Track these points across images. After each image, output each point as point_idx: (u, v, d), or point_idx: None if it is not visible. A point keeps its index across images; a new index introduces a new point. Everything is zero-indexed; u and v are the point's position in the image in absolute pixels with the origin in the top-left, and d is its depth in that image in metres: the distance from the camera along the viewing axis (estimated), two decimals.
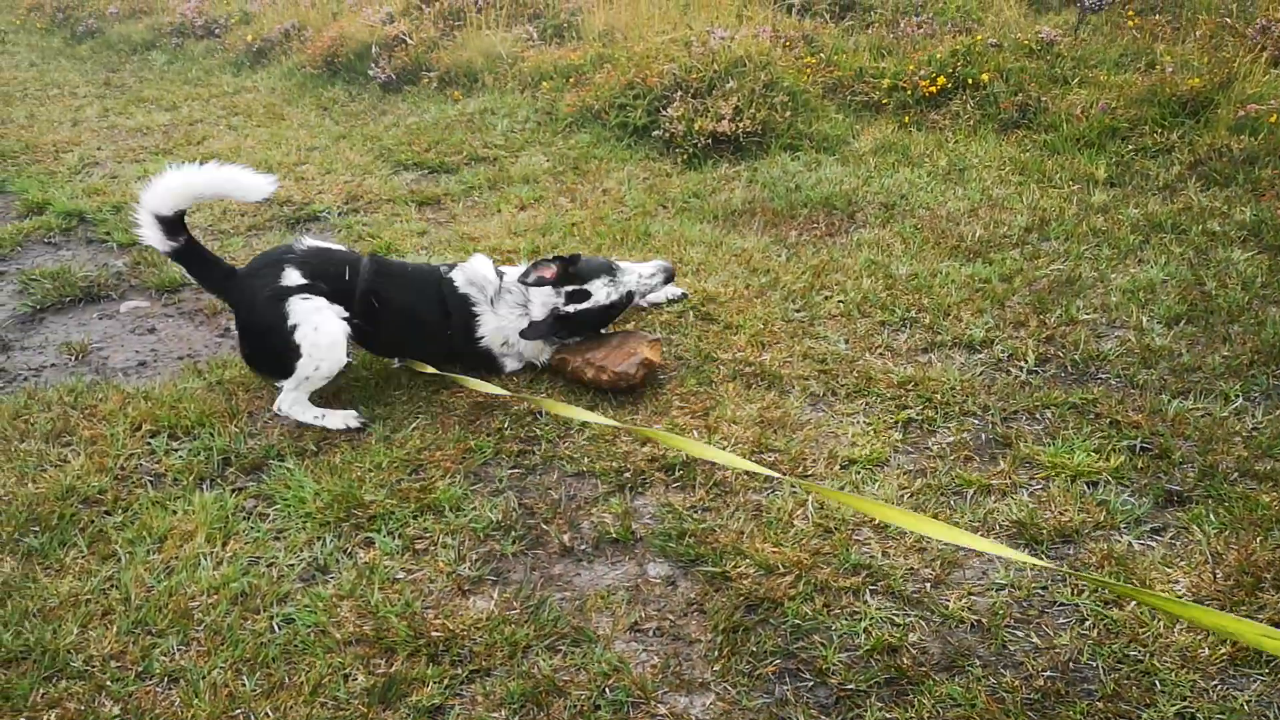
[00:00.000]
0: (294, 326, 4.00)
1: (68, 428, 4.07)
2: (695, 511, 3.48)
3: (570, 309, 4.36)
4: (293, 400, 4.13)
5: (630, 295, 4.46)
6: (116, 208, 7.06)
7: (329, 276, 4.13)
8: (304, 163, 8.08)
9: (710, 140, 7.37)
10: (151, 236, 4.01)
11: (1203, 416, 3.84)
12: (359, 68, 10.94)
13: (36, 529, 3.43)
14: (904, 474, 3.62)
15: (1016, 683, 2.71)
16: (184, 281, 5.72)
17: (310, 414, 4.13)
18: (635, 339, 4.35)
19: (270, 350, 4.09)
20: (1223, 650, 2.75)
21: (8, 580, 3.18)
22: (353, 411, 4.14)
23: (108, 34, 15.45)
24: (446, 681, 2.79)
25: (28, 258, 6.29)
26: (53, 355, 4.92)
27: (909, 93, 7.91)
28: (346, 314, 4.12)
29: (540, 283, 4.31)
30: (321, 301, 4.06)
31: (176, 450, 3.94)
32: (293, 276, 4.06)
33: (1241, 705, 2.61)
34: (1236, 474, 3.49)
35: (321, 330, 4.02)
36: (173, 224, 4.00)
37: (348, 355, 4.15)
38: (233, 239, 6.40)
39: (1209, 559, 3.10)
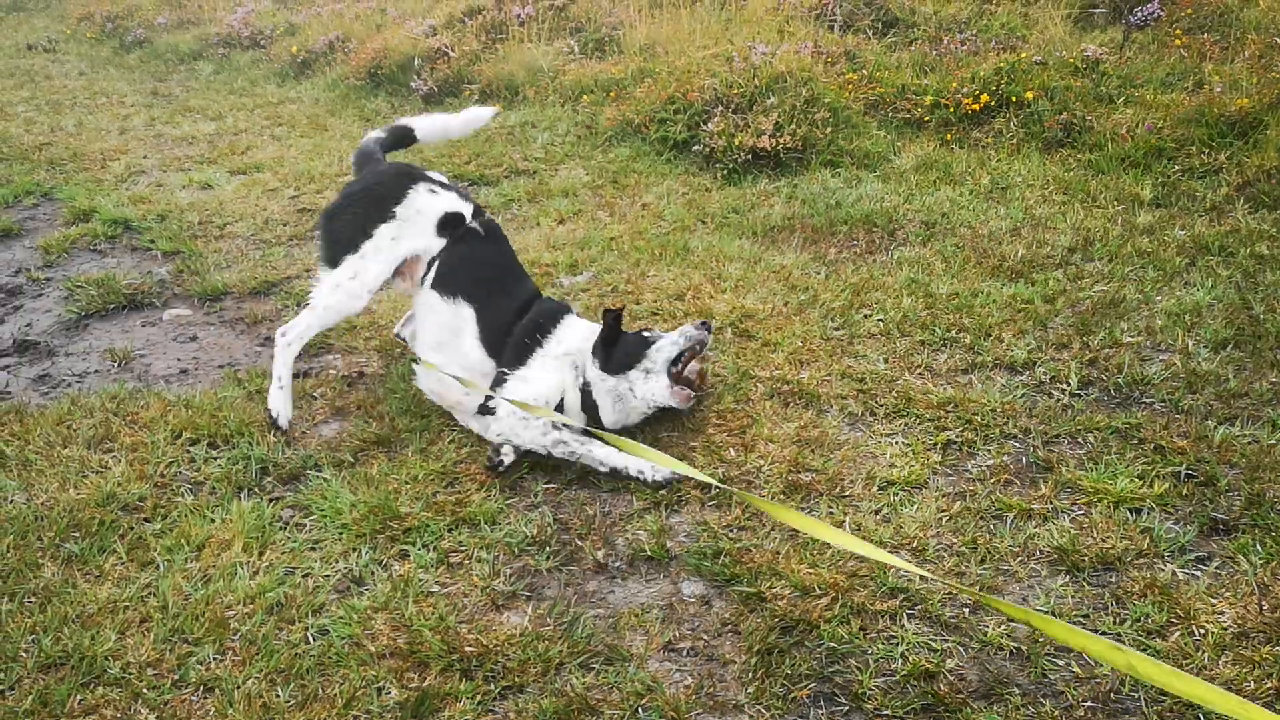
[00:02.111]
0: None
1: (109, 434, 4.12)
2: (731, 530, 3.46)
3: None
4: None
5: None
6: (161, 216, 7.16)
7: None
8: (346, 173, 8.14)
9: (750, 156, 7.36)
10: None
11: (1250, 443, 3.76)
12: (401, 79, 11.04)
13: (77, 535, 3.46)
14: (943, 496, 3.58)
15: (1057, 713, 2.67)
16: (226, 290, 5.78)
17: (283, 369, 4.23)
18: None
19: None
20: (1269, 684, 2.69)
21: (48, 586, 3.21)
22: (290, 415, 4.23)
23: (156, 44, 15.70)
24: (479, 697, 2.78)
25: (73, 264, 6.38)
26: (96, 362, 4.98)
27: (951, 110, 7.85)
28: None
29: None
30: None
31: (216, 459, 3.97)
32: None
33: None
34: None
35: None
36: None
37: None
38: (274, 248, 6.45)
39: (1255, 590, 3.03)
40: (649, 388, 3.99)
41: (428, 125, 4.87)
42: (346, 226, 4.21)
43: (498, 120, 9.36)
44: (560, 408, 4.01)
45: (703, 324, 4.12)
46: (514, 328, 4.10)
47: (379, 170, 4.39)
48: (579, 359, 4.06)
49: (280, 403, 4.17)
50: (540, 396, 3.89)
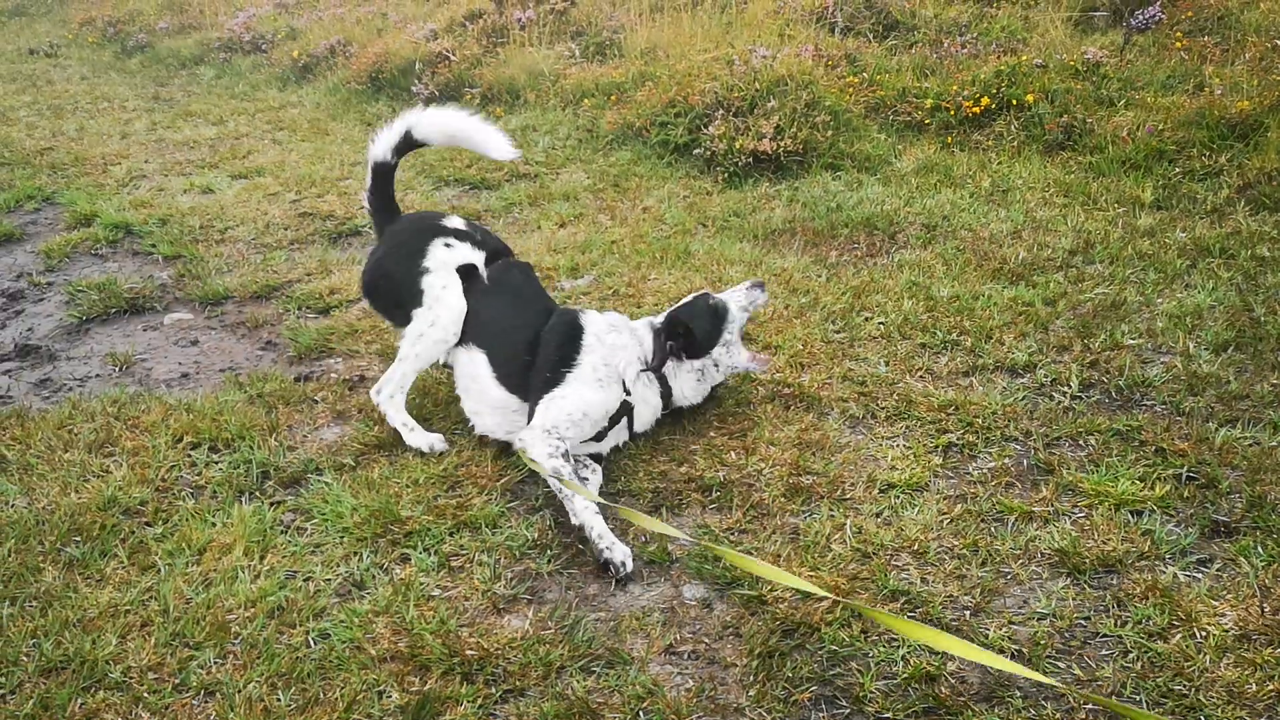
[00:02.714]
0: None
1: (110, 438, 4.12)
2: (732, 533, 3.46)
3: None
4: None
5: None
6: (162, 220, 7.17)
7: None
8: (347, 178, 8.16)
9: (751, 159, 7.36)
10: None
11: (1251, 445, 3.76)
12: (402, 84, 11.04)
13: (78, 539, 3.46)
14: (944, 499, 3.58)
15: (1058, 715, 2.67)
16: (227, 294, 5.79)
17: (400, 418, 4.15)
18: None
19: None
20: (1270, 687, 2.69)
21: (49, 590, 3.21)
22: (439, 435, 4.12)
23: (157, 49, 15.72)
24: (480, 701, 2.78)
25: (75, 269, 6.38)
26: (97, 366, 4.98)
27: (952, 113, 7.86)
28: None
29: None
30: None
31: (217, 463, 3.97)
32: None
33: None
34: None
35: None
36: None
37: None
38: (275, 252, 6.46)
39: (1257, 592, 3.03)
40: (732, 359, 4.19)
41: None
42: (395, 292, 4.17)
43: (500, 124, 9.35)
44: (616, 421, 3.97)
45: (757, 284, 4.27)
46: (531, 361, 4.00)
47: (395, 230, 4.35)
48: (634, 368, 4.00)
49: (420, 439, 4.06)
50: (576, 411, 3.80)
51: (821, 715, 2.74)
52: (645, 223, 6.60)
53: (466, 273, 4.18)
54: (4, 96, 12.85)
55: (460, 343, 4.15)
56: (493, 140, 4.43)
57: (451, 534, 3.49)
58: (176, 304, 5.78)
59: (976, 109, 7.75)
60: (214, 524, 3.55)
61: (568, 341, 3.98)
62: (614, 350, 3.99)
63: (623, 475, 3.83)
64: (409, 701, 2.76)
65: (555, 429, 3.73)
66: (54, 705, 2.76)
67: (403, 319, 4.17)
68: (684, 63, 8.93)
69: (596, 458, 3.96)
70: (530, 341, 4.01)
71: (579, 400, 3.83)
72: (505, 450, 4.00)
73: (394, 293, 4.18)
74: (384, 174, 4.50)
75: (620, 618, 3.11)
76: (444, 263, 4.14)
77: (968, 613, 3.05)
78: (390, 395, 4.14)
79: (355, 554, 3.40)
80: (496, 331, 4.09)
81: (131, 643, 2.99)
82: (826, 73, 8.53)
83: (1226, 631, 2.88)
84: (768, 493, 3.66)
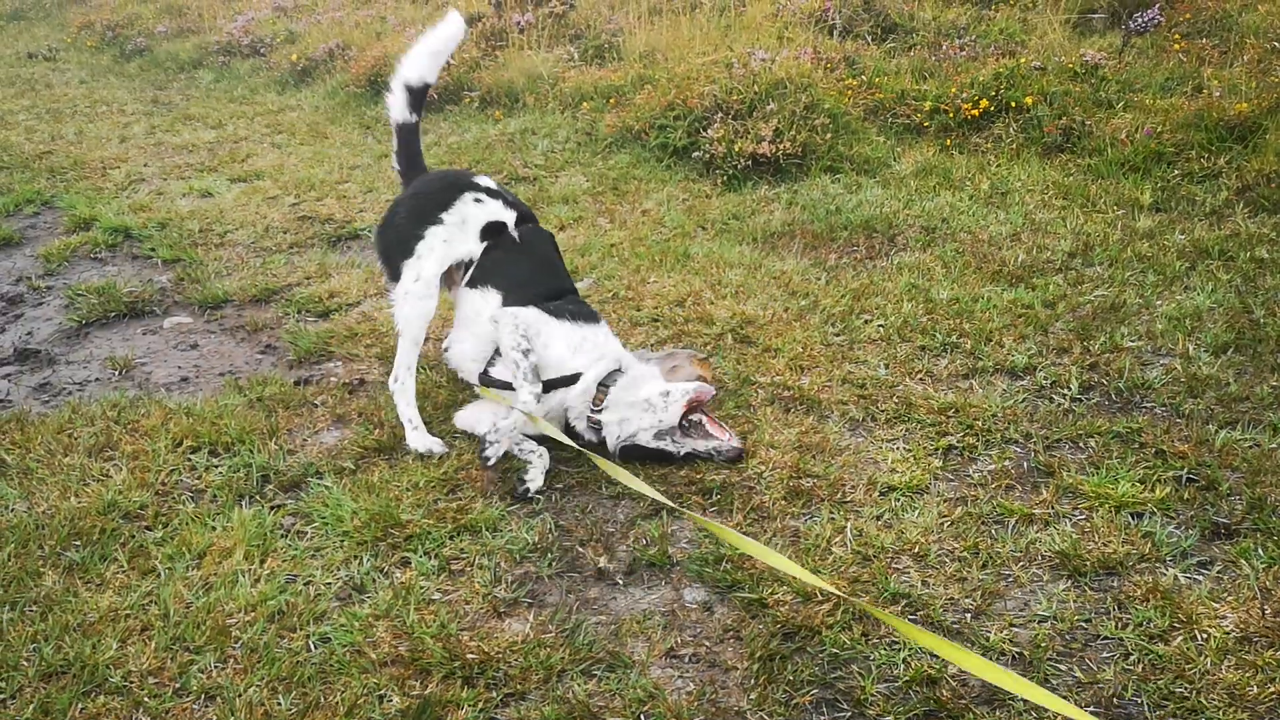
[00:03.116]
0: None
1: (110, 442, 4.12)
2: None
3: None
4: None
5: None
6: (162, 224, 7.16)
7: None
8: (346, 181, 8.16)
9: (750, 162, 7.37)
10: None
11: (1251, 447, 3.76)
12: None
13: (78, 543, 3.46)
14: (944, 501, 3.58)
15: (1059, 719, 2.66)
16: (226, 298, 5.78)
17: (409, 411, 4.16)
18: (681, 357, 4.35)
19: None
20: (1272, 689, 2.69)
21: (49, 594, 3.20)
22: (440, 440, 4.12)
23: (156, 52, 15.73)
24: (481, 705, 2.77)
25: (74, 273, 6.38)
26: (97, 370, 4.98)
27: (951, 115, 7.86)
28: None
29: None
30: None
31: (217, 466, 3.96)
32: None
33: None
34: None
35: None
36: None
37: None
38: (275, 255, 6.46)
39: (1258, 595, 3.03)
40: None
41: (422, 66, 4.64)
42: (398, 233, 4.25)
43: (498, 127, 9.37)
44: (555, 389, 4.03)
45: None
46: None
47: (425, 179, 4.45)
48: (607, 368, 4.02)
49: (421, 441, 4.07)
50: (548, 335, 3.99)
51: (823, 718, 2.74)
52: (644, 226, 6.61)
53: (495, 229, 4.26)
54: (3, 100, 12.85)
55: (477, 285, 4.24)
56: (447, 30, 4.56)
57: (452, 537, 3.49)
58: (176, 308, 5.78)
59: (975, 111, 7.75)
60: (214, 528, 3.55)
61: (583, 314, 4.16)
62: (596, 346, 4.06)
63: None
64: (410, 705, 2.75)
65: (526, 329, 3.95)
66: (54, 710, 2.75)
67: (394, 273, 4.23)
68: (683, 66, 8.94)
69: (542, 441, 4.00)
70: (549, 296, 4.17)
71: (556, 331, 4.02)
72: (505, 454, 4.00)
73: (396, 236, 4.25)
74: (408, 133, 4.56)
75: (621, 621, 3.11)
76: (462, 219, 4.21)
77: (968, 615, 3.04)
78: (401, 382, 4.17)
79: (355, 558, 3.39)
80: (519, 282, 4.20)
81: (132, 647, 2.98)
82: (825, 75, 8.54)
83: (1227, 634, 2.88)
84: (768, 495, 3.66)
